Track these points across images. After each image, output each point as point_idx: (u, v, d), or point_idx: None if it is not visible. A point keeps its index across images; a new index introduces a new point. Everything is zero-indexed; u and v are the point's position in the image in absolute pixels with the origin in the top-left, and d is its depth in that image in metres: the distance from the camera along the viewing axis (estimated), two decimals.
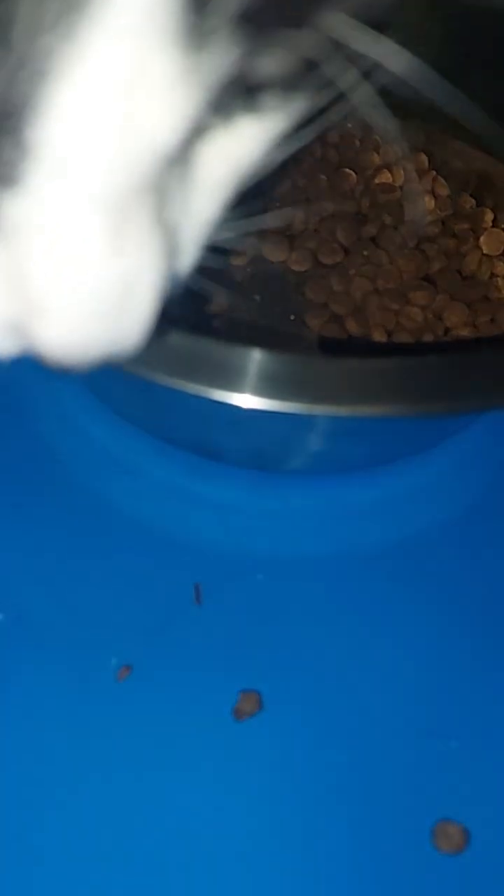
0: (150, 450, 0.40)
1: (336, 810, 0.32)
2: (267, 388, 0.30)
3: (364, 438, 0.38)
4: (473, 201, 0.46)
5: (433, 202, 0.45)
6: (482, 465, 0.42)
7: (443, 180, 0.46)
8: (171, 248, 0.19)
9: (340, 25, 0.16)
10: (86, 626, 0.35)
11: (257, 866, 0.31)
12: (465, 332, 0.41)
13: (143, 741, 0.33)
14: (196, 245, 0.20)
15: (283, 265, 0.43)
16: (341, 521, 0.39)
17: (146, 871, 0.30)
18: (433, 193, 0.46)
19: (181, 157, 0.18)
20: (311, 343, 0.41)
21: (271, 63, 0.17)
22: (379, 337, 0.41)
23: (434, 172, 0.46)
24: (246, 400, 0.30)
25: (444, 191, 0.46)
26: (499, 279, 0.43)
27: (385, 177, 0.46)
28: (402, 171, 0.45)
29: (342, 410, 0.31)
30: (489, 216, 0.45)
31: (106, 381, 0.38)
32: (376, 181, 0.45)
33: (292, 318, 0.42)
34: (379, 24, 0.16)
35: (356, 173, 0.46)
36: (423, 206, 0.44)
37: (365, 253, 0.43)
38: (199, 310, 0.40)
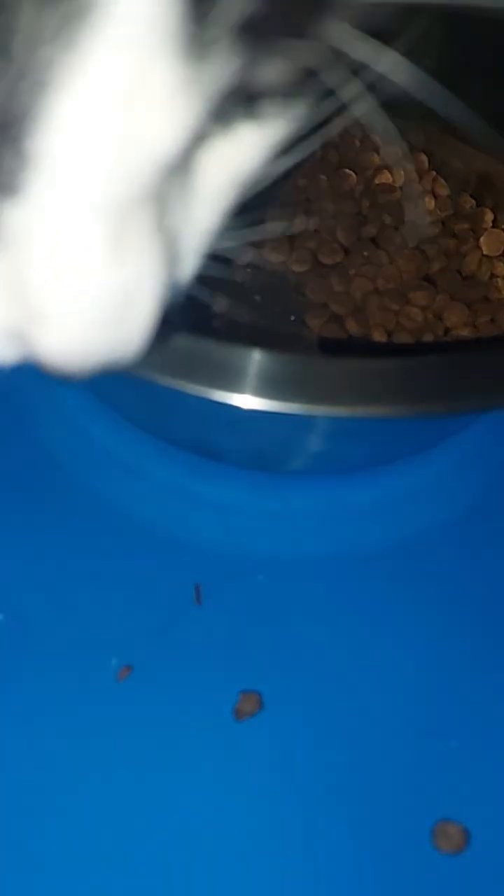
0: (150, 450, 0.40)
1: (336, 810, 0.32)
2: (267, 388, 0.30)
3: (364, 439, 0.38)
4: (473, 201, 0.46)
5: (433, 202, 0.45)
6: (482, 465, 0.42)
7: (443, 180, 0.46)
8: (171, 256, 0.19)
9: (342, 35, 0.16)
10: (86, 627, 0.35)
11: (257, 866, 0.31)
12: (465, 333, 0.41)
13: (143, 741, 0.33)
14: (197, 253, 0.20)
15: (283, 265, 0.43)
16: (341, 522, 0.39)
17: (147, 871, 0.30)
18: (433, 193, 0.46)
19: (181, 165, 0.18)
20: (311, 343, 0.41)
21: (272, 72, 0.17)
22: (379, 337, 0.41)
23: (434, 173, 0.46)
24: (246, 400, 0.30)
25: (444, 191, 0.46)
26: (499, 279, 0.43)
27: (385, 177, 0.46)
28: (402, 172, 0.45)
29: (342, 411, 0.31)
30: (489, 216, 0.45)
31: (106, 382, 0.38)
32: (376, 181, 0.45)
33: (292, 318, 0.42)
34: (384, 34, 0.16)
35: (356, 173, 0.46)
36: (424, 207, 0.44)
37: (365, 253, 0.43)
38: (198, 311, 0.40)
